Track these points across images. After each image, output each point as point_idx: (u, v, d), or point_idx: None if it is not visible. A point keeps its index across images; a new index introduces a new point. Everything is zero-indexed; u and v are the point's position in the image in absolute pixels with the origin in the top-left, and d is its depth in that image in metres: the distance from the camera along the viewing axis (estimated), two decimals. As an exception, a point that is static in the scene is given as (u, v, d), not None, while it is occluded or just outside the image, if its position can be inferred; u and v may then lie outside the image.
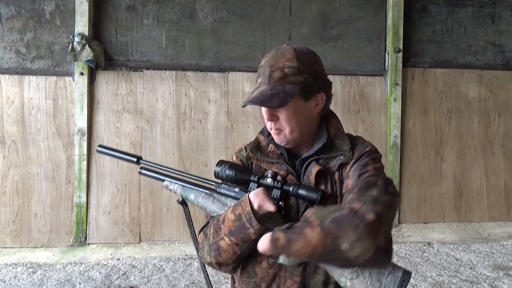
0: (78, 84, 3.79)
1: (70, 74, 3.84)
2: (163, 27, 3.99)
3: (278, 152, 1.08)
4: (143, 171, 1.17)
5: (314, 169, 1.01)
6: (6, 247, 3.71)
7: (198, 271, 3.17)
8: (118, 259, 3.50)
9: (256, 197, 0.95)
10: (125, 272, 3.24)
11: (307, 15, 4.13)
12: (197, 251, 1.09)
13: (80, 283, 3.05)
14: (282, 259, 0.90)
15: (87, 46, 3.71)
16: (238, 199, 1.01)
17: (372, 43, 4.21)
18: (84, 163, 3.79)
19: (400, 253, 3.57)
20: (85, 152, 3.79)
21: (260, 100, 0.96)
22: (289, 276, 1.00)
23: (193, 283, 3.03)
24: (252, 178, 1.00)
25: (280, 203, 0.97)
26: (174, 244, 3.77)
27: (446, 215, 4.23)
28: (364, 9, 4.20)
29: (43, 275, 3.18)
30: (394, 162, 4.14)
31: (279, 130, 1.02)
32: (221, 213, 1.01)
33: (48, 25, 3.86)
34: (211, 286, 1.17)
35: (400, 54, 4.12)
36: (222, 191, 1.05)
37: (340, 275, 0.88)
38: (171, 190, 1.11)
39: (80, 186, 3.78)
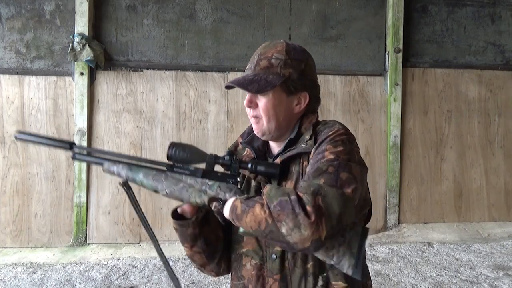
0: (78, 84, 3.79)
1: (70, 74, 3.84)
2: (163, 27, 3.99)
3: (252, 156, 1.08)
4: (77, 156, 1.03)
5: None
6: (6, 247, 3.71)
7: (198, 271, 3.17)
8: (118, 259, 3.50)
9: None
10: (125, 272, 3.24)
11: (307, 15, 4.14)
12: (151, 237, 1.05)
13: (80, 283, 3.05)
14: (241, 229, 0.91)
15: (87, 46, 3.71)
16: (195, 175, 0.97)
17: (372, 43, 4.22)
18: (84, 163, 3.79)
19: (400, 253, 3.57)
20: (85, 152, 3.79)
21: (240, 83, 0.99)
22: (269, 275, 1.00)
23: (193, 283, 3.03)
24: (208, 157, 0.97)
25: (238, 179, 0.97)
26: (174, 244, 3.77)
27: (446, 215, 4.23)
28: (364, 9, 4.20)
29: (43, 275, 3.18)
30: (394, 162, 4.14)
31: (257, 119, 1.02)
32: (175, 188, 0.96)
33: (48, 25, 3.86)
34: (177, 280, 1.13)
35: (400, 54, 4.12)
36: (176, 170, 0.98)
37: None
38: (113, 173, 0.99)
39: (80, 186, 3.78)
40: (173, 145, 0.98)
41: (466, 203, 4.26)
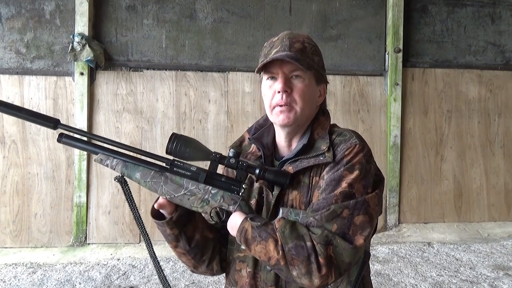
0: (78, 84, 3.79)
1: (70, 74, 3.84)
2: (163, 27, 3.99)
3: (259, 153, 1.02)
4: (64, 139, 0.89)
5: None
6: (6, 247, 3.71)
7: (198, 271, 3.17)
8: (118, 259, 3.50)
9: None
10: (125, 272, 3.24)
11: (307, 15, 4.13)
12: (144, 237, 0.94)
13: (80, 283, 3.05)
14: (243, 245, 0.89)
15: (87, 46, 3.71)
16: (196, 179, 0.89)
17: (372, 43, 4.21)
18: (84, 163, 3.79)
19: (400, 253, 3.57)
20: (85, 152, 3.79)
21: (289, 56, 0.90)
22: (263, 286, 0.97)
23: (193, 283, 3.03)
24: (212, 157, 0.89)
25: (244, 185, 0.90)
26: (174, 244, 3.77)
27: (446, 215, 4.23)
28: (364, 9, 4.20)
29: (43, 275, 3.18)
30: (394, 162, 4.14)
31: (290, 107, 0.93)
32: (176, 195, 0.88)
33: (48, 25, 3.86)
34: (167, 283, 1.06)
35: (400, 54, 4.12)
36: (177, 169, 0.90)
37: None
38: (107, 165, 0.89)
39: (80, 186, 3.78)
40: (174, 137, 0.89)
41: (466, 203, 4.26)
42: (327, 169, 0.91)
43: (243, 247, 0.90)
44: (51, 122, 0.87)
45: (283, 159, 0.98)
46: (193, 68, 4.01)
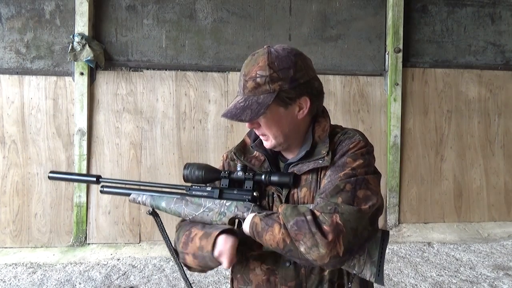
0: (78, 84, 3.79)
1: (70, 74, 3.84)
2: (163, 27, 3.99)
3: (262, 158, 1.06)
4: (105, 189, 1.11)
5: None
6: (6, 247, 3.71)
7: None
8: (118, 259, 3.50)
9: (221, 244, 0.92)
10: (125, 272, 3.24)
11: (307, 15, 4.13)
12: (175, 259, 1.07)
13: (80, 283, 3.05)
14: (256, 238, 0.95)
15: (87, 46, 3.71)
16: (211, 197, 1.00)
17: (372, 43, 4.21)
18: (84, 163, 3.79)
19: (400, 253, 3.57)
20: (85, 152, 3.79)
21: (233, 114, 0.95)
22: (282, 282, 0.99)
23: (193, 283, 3.03)
24: (222, 174, 1.01)
25: (254, 193, 0.98)
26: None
27: (446, 215, 4.23)
28: (364, 9, 4.20)
29: (43, 275, 3.18)
30: (394, 162, 4.14)
31: (265, 136, 1.01)
32: (196, 214, 1.00)
33: (48, 25, 3.86)
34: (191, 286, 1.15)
35: (400, 54, 4.12)
36: (195, 192, 1.03)
37: None
38: (139, 202, 1.06)
39: (80, 186, 3.78)
40: (188, 165, 1.02)
41: (466, 203, 4.26)
42: (331, 168, 0.96)
43: (264, 248, 0.95)
44: (94, 178, 1.09)
45: (288, 161, 1.05)
46: (193, 68, 4.01)
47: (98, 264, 3.39)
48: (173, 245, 1.07)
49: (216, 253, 0.92)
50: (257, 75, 0.94)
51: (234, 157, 1.08)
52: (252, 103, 0.94)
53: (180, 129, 3.97)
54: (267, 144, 1.02)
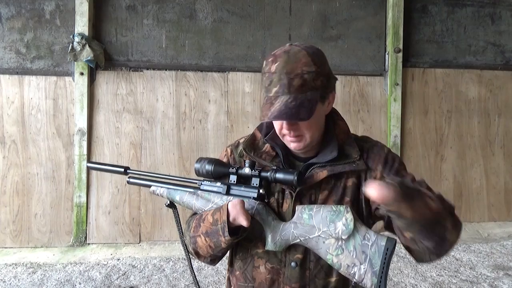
0: (78, 84, 3.79)
1: (70, 74, 3.84)
2: (163, 27, 3.98)
3: (273, 153, 1.04)
4: (131, 180, 1.16)
5: (322, 173, 0.98)
6: (6, 247, 3.71)
7: (198, 270, 3.17)
8: (118, 259, 3.50)
9: (233, 208, 0.93)
10: (125, 272, 3.24)
11: (307, 15, 4.13)
12: (186, 252, 1.11)
13: (80, 283, 3.05)
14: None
15: (87, 46, 3.71)
16: (220, 193, 1.02)
17: (372, 43, 4.21)
18: (84, 163, 3.79)
19: (400, 253, 3.57)
20: (85, 152, 3.79)
21: (288, 114, 0.89)
22: (286, 282, 0.98)
23: (193, 283, 3.03)
24: (230, 170, 1.01)
25: (261, 190, 0.98)
26: (174, 244, 3.77)
27: (446, 215, 4.23)
28: (364, 9, 4.20)
29: (43, 275, 3.18)
30: (394, 162, 4.13)
31: (299, 137, 0.96)
32: (205, 209, 1.02)
33: (48, 25, 3.85)
34: (198, 285, 1.16)
35: (400, 54, 4.12)
36: (204, 187, 1.05)
37: (326, 253, 0.91)
38: (158, 194, 1.11)
39: (80, 186, 3.78)
40: (199, 160, 1.05)
41: (466, 203, 4.26)
42: (379, 169, 1.00)
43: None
44: (122, 169, 1.15)
45: (309, 162, 1.02)
46: (193, 68, 4.01)
47: (98, 264, 3.39)
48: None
49: (231, 218, 0.93)
50: (304, 72, 0.90)
51: (244, 152, 1.07)
52: (303, 101, 0.90)
53: (180, 129, 3.97)
54: (299, 145, 0.98)
